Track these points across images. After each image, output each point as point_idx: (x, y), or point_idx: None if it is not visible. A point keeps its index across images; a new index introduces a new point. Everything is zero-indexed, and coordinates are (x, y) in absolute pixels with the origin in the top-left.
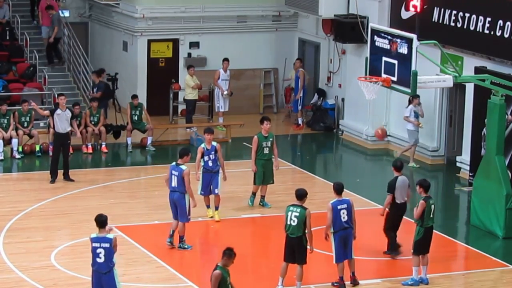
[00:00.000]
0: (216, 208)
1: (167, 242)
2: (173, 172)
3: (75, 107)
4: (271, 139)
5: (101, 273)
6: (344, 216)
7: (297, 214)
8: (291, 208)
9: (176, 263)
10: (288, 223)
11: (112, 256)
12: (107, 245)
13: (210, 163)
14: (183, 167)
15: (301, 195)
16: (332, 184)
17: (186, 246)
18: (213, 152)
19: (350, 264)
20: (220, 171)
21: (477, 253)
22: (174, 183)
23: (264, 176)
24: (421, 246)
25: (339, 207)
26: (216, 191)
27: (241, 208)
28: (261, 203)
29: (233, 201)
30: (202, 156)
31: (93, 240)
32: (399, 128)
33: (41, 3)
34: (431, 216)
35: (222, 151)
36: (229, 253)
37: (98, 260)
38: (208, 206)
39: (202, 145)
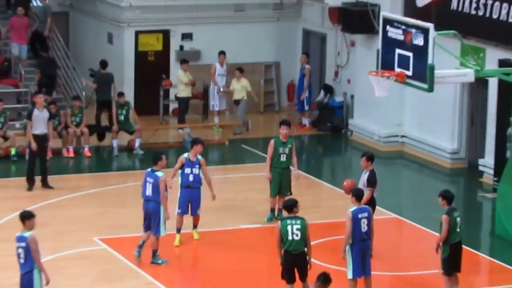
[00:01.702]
0: (195, 227)
1: (135, 252)
2: (148, 179)
3: (51, 106)
4: (289, 146)
5: (22, 274)
6: (364, 226)
7: (299, 226)
8: (289, 221)
9: (167, 279)
10: (290, 238)
11: (30, 255)
12: (23, 244)
13: (191, 178)
14: (159, 173)
15: (291, 205)
16: (339, 188)
17: (159, 261)
18: (197, 166)
19: (367, 282)
20: (203, 188)
21: (503, 267)
22: (148, 191)
23: (280, 187)
24: (450, 265)
25: (359, 215)
26: (198, 211)
27: (240, 218)
28: (279, 217)
29: (231, 210)
30: (182, 167)
31: (16, 239)
32: (415, 129)
33: (13, 19)
34: (458, 230)
35: (218, 155)
36: (324, 279)
37: (20, 260)
38: (178, 231)
39: (185, 155)
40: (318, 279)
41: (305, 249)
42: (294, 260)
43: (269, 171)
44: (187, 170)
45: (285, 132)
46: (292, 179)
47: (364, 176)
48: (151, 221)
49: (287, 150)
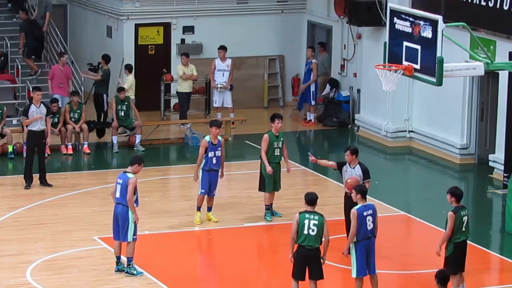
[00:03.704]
0: (210, 209)
1: (115, 271)
2: (118, 180)
3: (53, 104)
4: (282, 139)
5: None
6: (369, 223)
7: (316, 222)
8: (307, 215)
9: (169, 279)
10: (306, 232)
11: None
12: None
13: (214, 161)
14: (130, 175)
15: (314, 199)
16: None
17: (135, 272)
18: (219, 148)
19: (373, 282)
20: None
21: None
22: (118, 193)
23: (275, 182)
24: (453, 264)
25: (364, 213)
26: (215, 192)
27: (243, 215)
28: (274, 214)
29: (234, 207)
30: (206, 152)
31: None
32: (423, 123)
33: (54, 68)
34: (463, 229)
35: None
36: (443, 276)
37: None
38: (198, 209)
39: (207, 138)
40: (436, 277)
41: (318, 246)
42: (307, 256)
43: (268, 165)
44: (211, 154)
45: (280, 126)
46: (281, 173)
47: (354, 171)
48: (120, 226)
49: (280, 144)
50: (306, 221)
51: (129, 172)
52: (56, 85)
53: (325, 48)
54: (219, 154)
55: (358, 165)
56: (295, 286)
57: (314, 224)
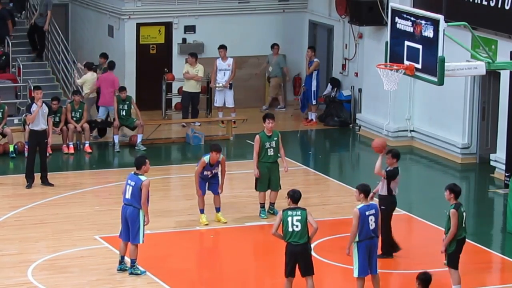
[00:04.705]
0: (218, 210)
1: (117, 270)
2: (130, 182)
3: (53, 102)
4: (275, 139)
5: None
6: (372, 223)
7: (299, 217)
8: (290, 212)
9: (170, 278)
10: (290, 229)
11: None
12: None
13: (210, 176)
14: (143, 177)
15: (298, 197)
16: (347, 184)
17: (139, 272)
18: (216, 167)
19: (375, 281)
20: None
21: None
22: (128, 194)
23: (270, 182)
24: (456, 260)
25: (367, 213)
26: (219, 190)
27: (244, 215)
28: (271, 211)
29: (235, 207)
30: (202, 169)
31: None
32: (425, 123)
33: (100, 78)
34: (463, 225)
35: (222, 150)
36: (424, 278)
37: None
38: (202, 211)
39: (206, 159)
40: (417, 278)
41: (306, 241)
42: (294, 252)
43: (256, 167)
44: (207, 172)
45: (270, 126)
46: (281, 173)
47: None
48: (130, 228)
49: (273, 144)
50: (289, 218)
51: (141, 174)
52: (105, 94)
53: (279, 49)
54: (216, 171)
55: (393, 168)
56: (288, 284)
57: (297, 220)
